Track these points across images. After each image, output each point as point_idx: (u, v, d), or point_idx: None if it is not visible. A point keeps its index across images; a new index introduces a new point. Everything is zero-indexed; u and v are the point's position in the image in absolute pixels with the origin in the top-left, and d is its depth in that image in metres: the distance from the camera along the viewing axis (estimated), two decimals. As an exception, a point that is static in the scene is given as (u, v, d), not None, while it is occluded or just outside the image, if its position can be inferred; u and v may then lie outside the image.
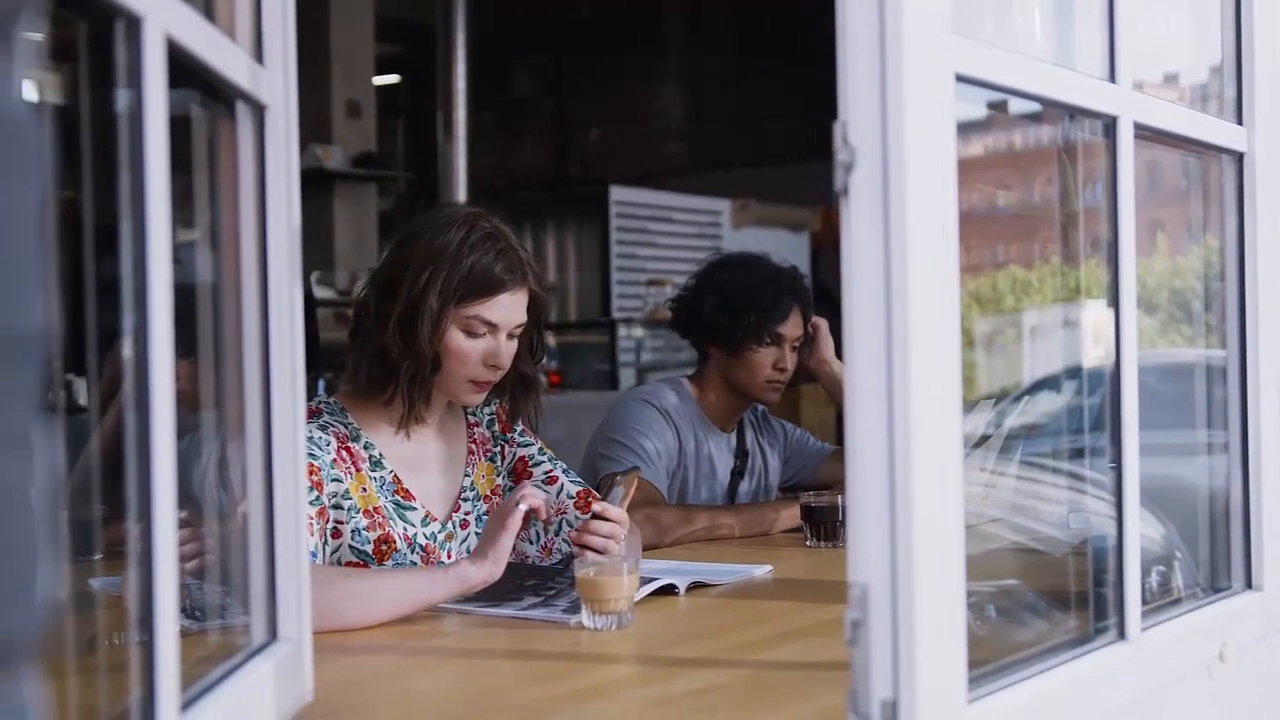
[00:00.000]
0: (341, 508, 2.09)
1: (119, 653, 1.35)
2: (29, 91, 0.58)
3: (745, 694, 1.51)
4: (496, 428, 2.35)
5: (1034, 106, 1.51)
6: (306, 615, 1.36)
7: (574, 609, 1.87)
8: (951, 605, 1.17)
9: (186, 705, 1.05)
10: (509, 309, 2.14)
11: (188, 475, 1.08)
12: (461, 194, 8.84)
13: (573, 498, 2.29)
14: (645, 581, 1.99)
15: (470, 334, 2.13)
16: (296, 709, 1.35)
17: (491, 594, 2.01)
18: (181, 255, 1.08)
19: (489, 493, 2.30)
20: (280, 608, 1.33)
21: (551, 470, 2.33)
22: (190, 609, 1.27)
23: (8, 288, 0.53)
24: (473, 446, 2.31)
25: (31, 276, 0.54)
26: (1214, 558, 1.80)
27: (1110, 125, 1.45)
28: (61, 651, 1.05)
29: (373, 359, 2.14)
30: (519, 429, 2.37)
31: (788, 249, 6.09)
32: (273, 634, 1.32)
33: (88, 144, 1.04)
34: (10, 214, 0.53)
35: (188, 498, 1.11)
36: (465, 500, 2.27)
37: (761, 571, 2.28)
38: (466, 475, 2.28)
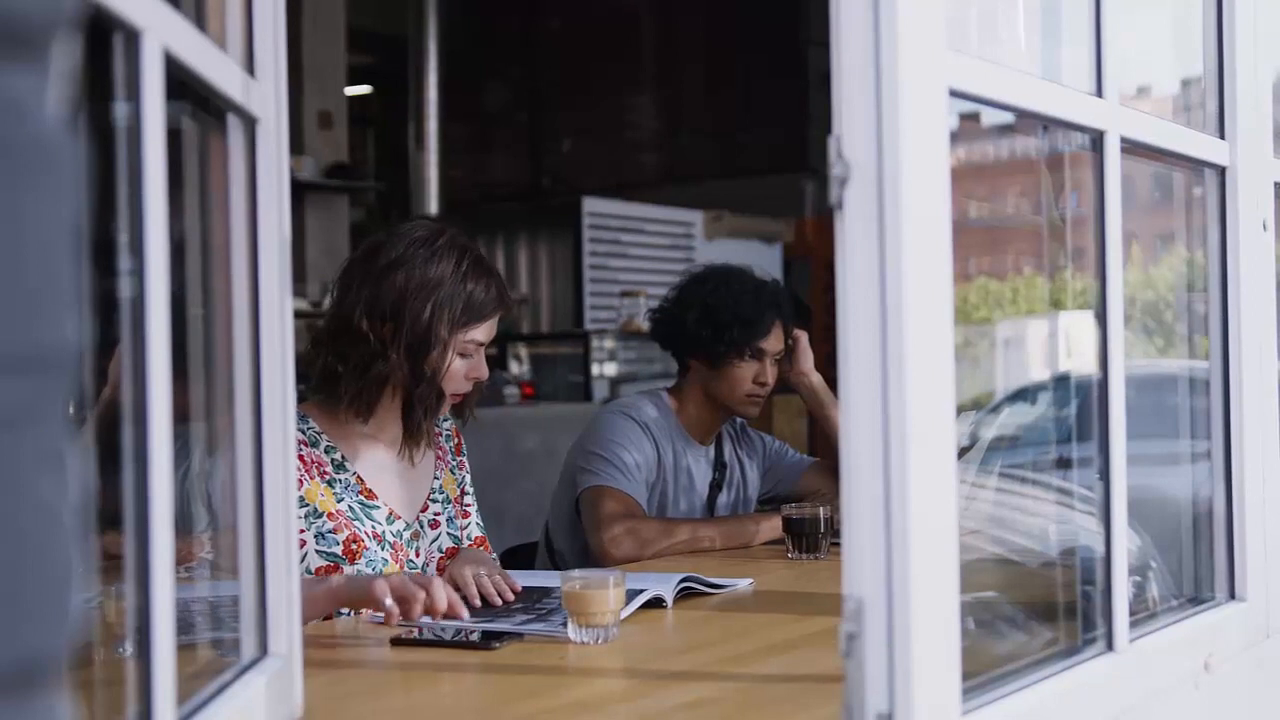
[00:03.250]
0: (299, 516, 2.12)
1: (106, 668, 1.34)
2: (62, 109, 0.58)
3: (736, 707, 1.51)
4: (452, 445, 2.44)
5: (1004, 118, 1.52)
6: (297, 630, 1.35)
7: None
8: (946, 617, 1.17)
9: (181, 722, 1.04)
10: (494, 327, 2.27)
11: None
12: (433, 205, 8.83)
13: (471, 540, 2.39)
14: (633, 596, 1.99)
15: (463, 355, 2.23)
16: (286, 725, 1.34)
17: (484, 612, 2.00)
18: (171, 267, 1.08)
19: (454, 499, 2.39)
20: (271, 623, 1.32)
21: (470, 506, 2.44)
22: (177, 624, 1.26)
23: (45, 305, 0.53)
24: (439, 452, 2.39)
25: (67, 294, 0.54)
26: (1197, 568, 1.81)
27: (1098, 139, 1.46)
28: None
29: (373, 383, 2.19)
30: (463, 455, 2.48)
31: (761, 260, 6.09)
32: (263, 649, 1.31)
33: (82, 155, 1.03)
34: (48, 232, 0.53)
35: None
36: (435, 501, 2.34)
37: (744, 584, 2.28)
38: (436, 478, 2.36)
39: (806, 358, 3.03)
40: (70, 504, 0.55)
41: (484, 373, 2.27)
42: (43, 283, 0.53)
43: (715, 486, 3.04)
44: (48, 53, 0.56)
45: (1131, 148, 1.53)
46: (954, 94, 1.21)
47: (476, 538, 2.41)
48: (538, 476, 5.26)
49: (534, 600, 2.08)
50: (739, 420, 3.12)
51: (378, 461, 2.27)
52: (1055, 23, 1.75)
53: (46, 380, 0.53)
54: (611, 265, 7.81)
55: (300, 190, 7.36)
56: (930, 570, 1.14)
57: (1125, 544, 1.48)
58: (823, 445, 3.36)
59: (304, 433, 2.19)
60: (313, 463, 2.18)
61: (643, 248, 7.93)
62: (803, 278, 7.70)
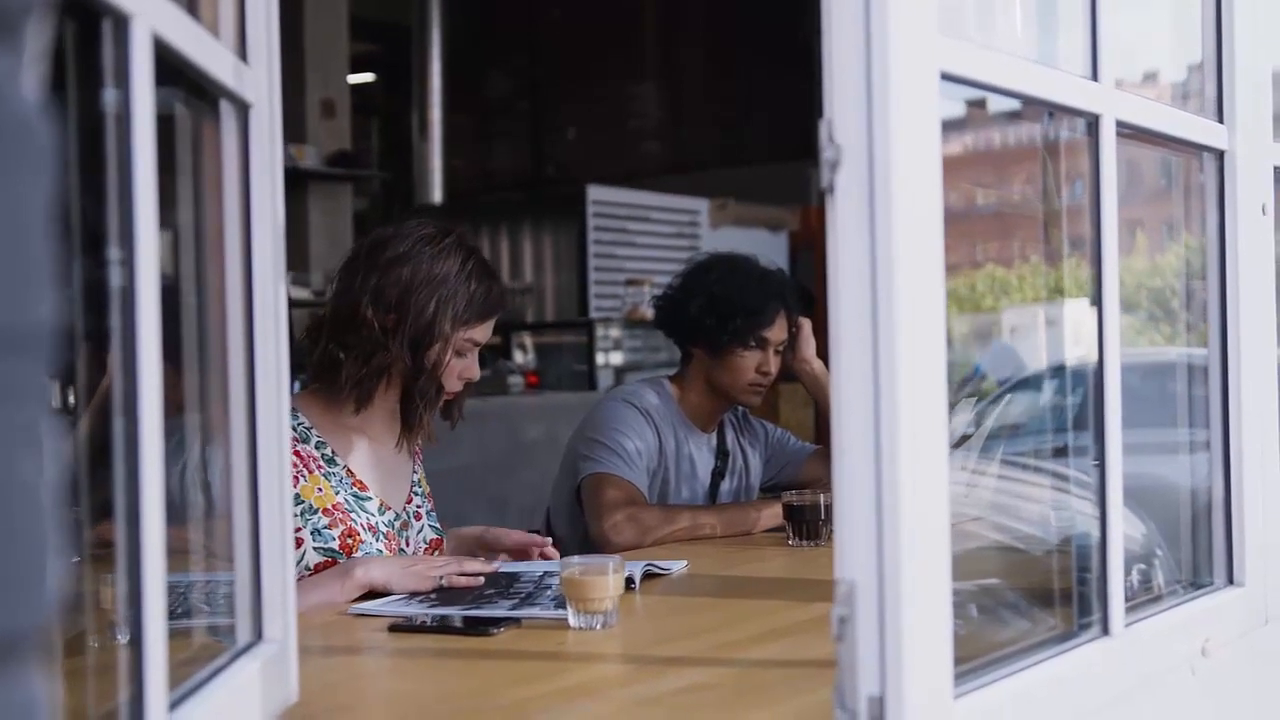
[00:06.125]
0: (295, 514, 2.13)
1: (98, 654, 1.34)
2: (36, 90, 0.58)
3: (731, 692, 1.51)
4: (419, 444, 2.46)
5: (1011, 105, 1.51)
6: (292, 616, 1.35)
7: (562, 603, 1.85)
8: (938, 601, 1.17)
9: (173, 705, 1.05)
10: (490, 329, 2.30)
11: (169, 477, 1.08)
12: (437, 195, 8.83)
13: (427, 544, 2.38)
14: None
15: (459, 354, 2.25)
16: (281, 710, 1.35)
17: (468, 601, 2.00)
18: (165, 256, 1.08)
19: (427, 494, 2.43)
20: (265, 608, 1.32)
21: (431, 506, 2.44)
22: (172, 609, 1.27)
23: (20, 284, 0.53)
24: (416, 448, 2.42)
25: (42, 273, 0.54)
26: (1196, 554, 1.81)
27: (1093, 123, 1.46)
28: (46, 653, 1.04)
29: (374, 372, 2.21)
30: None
31: (766, 249, 6.09)
32: (258, 634, 1.31)
33: (72, 143, 1.03)
34: (21, 212, 0.53)
35: (169, 499, 1.11)
36: (416, 494, 2.38)
37: (679, 566, 2.29)
38: (415, 472, 2.40)
39: (809, 345, 3.02)
40: (48, 482, 0.55)
41: (475, 374, 2.30)
42: (18, 263, 0.53)
43: (718, 474, 3.04)
44: (22, 34, 0.56)
45: (1128, 132, 1.53)
46: (946, 78, 1.21)
47: (433, 539, 2.39)
48: (541, 466, 5.25)
49: (506, 586, 2.08)
50: (741, 408, 3.12)
51: (364, 454, 2.29)
52: (1051, 10, 1.75)
53: (23, 359, 0.54)
54: (616, 254, 7.81)
55: (303, 179, 7.36)
56: (922, 553, 1.14)
57: (1121, 528, 1.48)
58: (828, 433, 3.35)
59: (295, 429, 2.20)
60: (308, 457, 2.20)
61: (648, 236, 7.92)
62: (808, 266, 7.69)
